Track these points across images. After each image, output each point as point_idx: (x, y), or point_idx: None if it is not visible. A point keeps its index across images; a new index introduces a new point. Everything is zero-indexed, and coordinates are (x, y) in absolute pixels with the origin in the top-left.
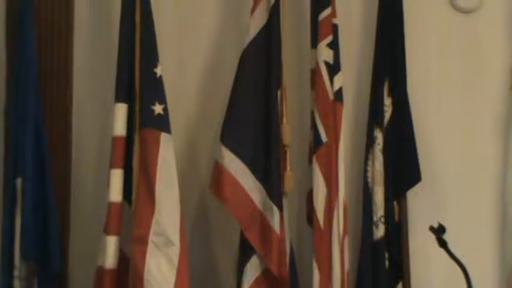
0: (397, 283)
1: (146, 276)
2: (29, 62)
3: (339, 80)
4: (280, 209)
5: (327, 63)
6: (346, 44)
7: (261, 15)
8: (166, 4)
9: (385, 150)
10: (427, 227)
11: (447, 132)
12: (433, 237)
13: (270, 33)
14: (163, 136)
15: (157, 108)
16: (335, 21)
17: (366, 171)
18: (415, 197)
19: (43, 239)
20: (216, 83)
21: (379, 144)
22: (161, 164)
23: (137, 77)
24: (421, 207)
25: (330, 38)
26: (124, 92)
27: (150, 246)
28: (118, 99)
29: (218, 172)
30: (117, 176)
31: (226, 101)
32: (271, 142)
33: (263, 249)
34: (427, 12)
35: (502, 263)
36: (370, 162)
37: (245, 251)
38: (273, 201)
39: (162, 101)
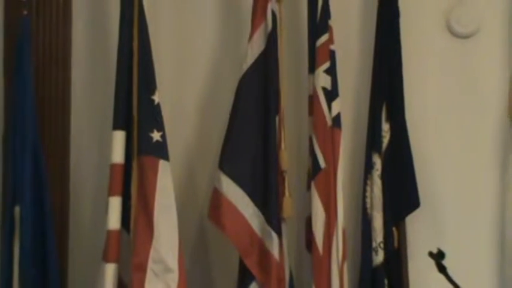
0: None
1: None
2: (27, 91)
3: (336, 106)
4: (279, 235)
5: (324, 89)
6: (344, 70)
7: (259, 42)
8: (164, 31)
9: (383, 176)
10: (427, 252)
11: (445, 158)
12: (432, 262)
13: (268, 59)
14: (162, 163)
15: (156, 136)
16: (332, 47)
17: (364, 197)
18: (414, 223)
19: (42, 267)
20: (214, 109)
21: (377, 170)
22: (159, 191)
23: (135, 104)
24: (420, 232)
25: (327, 64)
26: (122, 119)
27: (149, 274)
28: (116, 126)
29: (217, 199)
30: (115, 203)
31: (225, 127)
32: (269, 168)
33: (262, 276)
34: (424, 37)
35: None
36: (368, 188)
37: (244, 277)
38: (272, 228)
39: (160, 128)
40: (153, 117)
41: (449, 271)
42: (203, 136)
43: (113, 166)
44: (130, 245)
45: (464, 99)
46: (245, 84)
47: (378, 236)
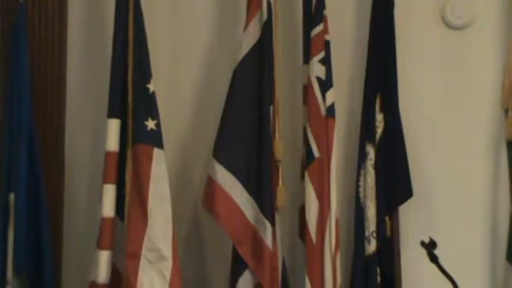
0: None
1: None
2: (22, 78)
3: (331, 96)
4: (273, 224)
5: (319, 79)
6: (338, 60)
7: (254, 32)
8: (159, 20)
9: (377, 166)
10: (419, 242)
11: (438, 148)
12: (424, 252)
13: (263, 49)
14: (156, 152)
15: (150, 124)
16: (327, 37)
17: (357, 186)
18: (407, 213)
19: (36, 254)
20: (209, 98)
21: (371, 159)
22: (154, 180)
23: (130, 93)
24: (413, 222)
25: (322, 54)
26: (117, 107)
27: (143, 261)
28: (111, 114)
29: (211, 187)
30: (109, 191)
31: (219, 116)
32: (263, 157)
33: (255, 264)
34: (418, 28)
35: (492, 278)
36: (362, 178)
37: (237, 266)
38: (265, 217)
39: (155, 116)
40: (148, 105)
41: (441, 261)
42: (198, 125)
43: (107, 154)
44: (124, 232)
45: (458, 90)
46: (240, 74)
47: (371, 225)
